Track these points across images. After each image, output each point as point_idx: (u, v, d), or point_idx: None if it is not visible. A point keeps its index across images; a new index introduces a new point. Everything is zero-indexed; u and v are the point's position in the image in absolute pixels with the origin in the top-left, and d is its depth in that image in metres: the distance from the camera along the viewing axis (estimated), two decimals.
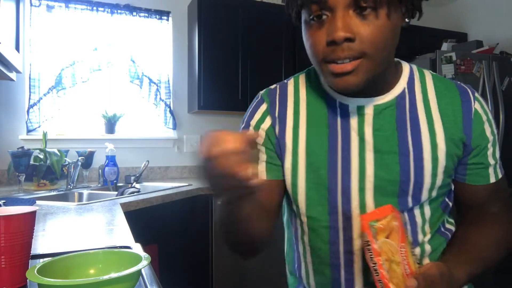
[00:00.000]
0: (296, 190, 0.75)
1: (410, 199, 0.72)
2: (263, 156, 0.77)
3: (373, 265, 0.60)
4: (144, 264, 0.57)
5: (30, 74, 2.38)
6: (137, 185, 2.27)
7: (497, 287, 2.54)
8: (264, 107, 0.78)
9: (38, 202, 1.58)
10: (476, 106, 0.74)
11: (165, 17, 2.78)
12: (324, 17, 0.61)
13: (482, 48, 2.84)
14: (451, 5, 3.68)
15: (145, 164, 2.33)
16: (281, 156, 0.76)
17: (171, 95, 2.79)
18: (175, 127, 2.80)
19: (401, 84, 0.74)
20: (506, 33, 3.16)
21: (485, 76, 2.51)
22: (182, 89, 2.85)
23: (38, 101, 2.40)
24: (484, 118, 0.74)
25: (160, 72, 2.76)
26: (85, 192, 2.08)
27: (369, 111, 0.72)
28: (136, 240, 0.96)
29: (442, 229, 0.80)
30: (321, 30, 0.62)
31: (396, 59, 0.76)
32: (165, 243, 1.86)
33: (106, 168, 2.35)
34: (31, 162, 2.06)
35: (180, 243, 2.04)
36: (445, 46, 2.97)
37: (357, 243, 0.72)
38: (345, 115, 0.73)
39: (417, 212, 0.75)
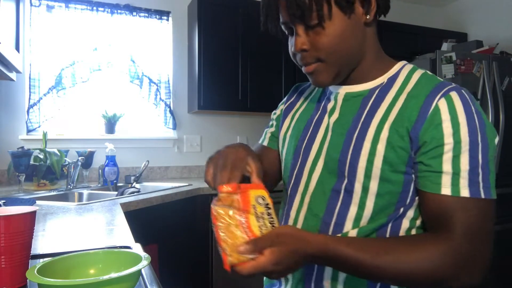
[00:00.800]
0: (282, 157, 0.92)
1: (345, 181, 0.74)
2: (272, 129, 0.98)
3: (213, 227, 0.65)
4: (144, 264, 0.57)
5: (30, 74, 2.38)
6: (137, 185, 2.27)
7: (498, 286, 2.54)
8: (290, 94, 0.98)
9: (38, 202, 1.58)
10: (440, 102, 0.67)
11: (165, 17, 2.78)
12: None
13: (482, 48, 2.84)
14: (451, 5, 3.68)
15: (145, 164, 2.33)
16: (279, 130, 0.95)
17: (171, 95, 2.79)
18: (175, 127, 2.80)
19: (381, 79, 0.78)
20: (506, 33, 3.16)
21: (485, 76, 2.51)
22: (182, 89, 2.85)
23: (38, 101, 2.40)
24: (446, 117, 0.67)
25: (160, 72, 2.76)
26: (85, 192, 2.08)
27: (340, 98, 0.81)
28: (136, 240, 0.96)
29: (387, 236, 0.73)
30: (291, 42, 0.77)
31: (401, 61, 0.81)
32: (165, 243, 1.86)
33: (106, 168, 2.35)
34: (31, 162, 2.06)
35: (180, 243, 2.04)
36: (445, 46, 2.97)
37: (303, 210, 0.81)
38: (328, 100, 0.84)
39: (355, 201, 0.73)
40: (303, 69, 0.77)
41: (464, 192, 0.66)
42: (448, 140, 0.66)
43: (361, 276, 0.69)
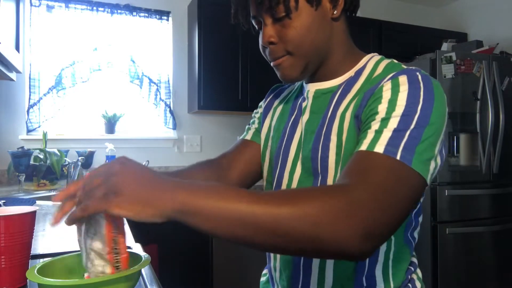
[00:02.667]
0: (263, 159, 0.90)
1: (320, 178, 0.74)
2: (255, 125, 0.95)
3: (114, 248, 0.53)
4: (144, 264, 0.57)
5: (30, 74, 2.38)
6: None
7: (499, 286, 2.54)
8: (268, 94, 0.97)
9: (38, 202, 1.58)
10: (386, 82, 0.65)
11: (165, 17, 2.78)
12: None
13: (482, 48, 2.84)
14: (451, 5, 3.68)
15: (145, 164, 2.33)
16: (261, 130, 0.93)
17: (171, 95, 2.79)
18: (175, 127, 2.80)
19: (350, 73, 0.77)
20: (506, 33, 3.16)
21: (485, 76, 2.51)
22: (182, 89, 2.85)
23: (38, 101, 2.40)
24: (387, 88, 0.64)
25: (160, 72, 2.76)
26: None
27: (311, 95, 0.80)
28: (136, 240, 0.96)
29: None
30: (260, 36, 0.76)
31: (370, 54, 0.79)
32: (165, 243, 1.86)
33: None
34: (31, 162, 2.06)
35: (180, 243, 2.04)
36: (445, 46, 2.97)
37: None
38: (303, 99, 0.83)
39: None
40: (272, 64, 0.78)
41: (379, 148, 0.58)
42: (384, 105, 0.63)
43: (235, 230, 0.51)
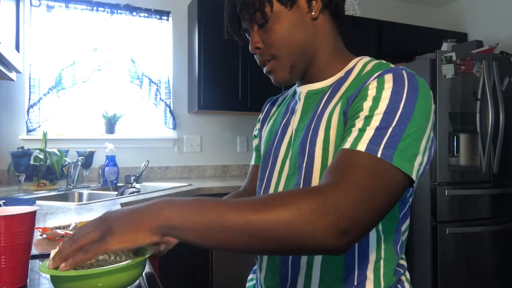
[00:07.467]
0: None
1: (303, 174, 0.74)
2: (255, 142, 1.00)
3: None
4: (150, 253, 0.62)
5: (30, 74, 2.38)
6: (137, 185, 2.27)
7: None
8: (263, 107, 1.01)
9: (38, 202, 1.58)
10: (372, 80, 0.66)
11: (165, 17, 2.78)
12: None
13: (482, 48, 2.84)
14: (451, 5, 3.68)
15: (145, 164, 2.33)
16: (260, 144, 0.97)
17: (171, 95, 2.79)
18: (175, 127, 2.80)
19: (340, 73, 0.78)
20: (506, 33, 3.16)
21: (485, 76, 2.51)
22: (182, 89, 2.85)
23: (38, 101, 2.40)
24: (373, 86, 0.65)
25: (160, 72, 2.76)
26: (85, 192, 2.08)
27: (303, 96, 0.82)
28: None
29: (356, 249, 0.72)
30: None
31: (361, 57, 0.80)
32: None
33: (106, 168, 2.35)
34: (31, 162, 2.06)
35: (180, 243, 2.04)
36: (445, 46, 2.97)
37: None
38: (295, 102, 0.85)
39: None
40: (264, 71, 0.81)
41: (361, 146, 0.59)
42: (368, 103, 0.64)
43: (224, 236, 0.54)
